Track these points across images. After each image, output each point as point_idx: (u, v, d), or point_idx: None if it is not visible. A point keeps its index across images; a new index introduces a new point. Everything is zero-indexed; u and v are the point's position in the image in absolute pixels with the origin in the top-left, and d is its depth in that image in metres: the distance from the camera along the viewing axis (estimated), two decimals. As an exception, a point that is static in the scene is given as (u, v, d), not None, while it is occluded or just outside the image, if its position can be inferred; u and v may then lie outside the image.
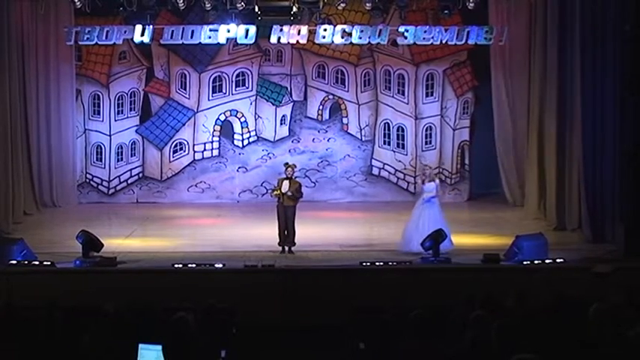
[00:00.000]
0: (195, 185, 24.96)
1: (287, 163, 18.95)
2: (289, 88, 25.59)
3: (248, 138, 25.64)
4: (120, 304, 10.71)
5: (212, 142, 25.60)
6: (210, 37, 22.72)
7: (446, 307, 10.52)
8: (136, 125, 25.51)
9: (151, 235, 20.35)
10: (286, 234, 18.35)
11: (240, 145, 25.62)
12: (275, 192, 18.57)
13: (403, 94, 25.49)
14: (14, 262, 16.52)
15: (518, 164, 24.20)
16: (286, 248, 18.30)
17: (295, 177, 18.84)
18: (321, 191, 24.94)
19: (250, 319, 13.68)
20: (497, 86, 24.42)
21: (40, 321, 9.87)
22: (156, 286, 15.12)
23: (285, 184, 18.49)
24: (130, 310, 10.35)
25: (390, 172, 25.48)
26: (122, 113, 25.48)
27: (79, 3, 21.02)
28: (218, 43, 23.37)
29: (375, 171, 25.29)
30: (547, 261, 16.50)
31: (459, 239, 18.95)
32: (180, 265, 16.21)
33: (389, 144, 25.64)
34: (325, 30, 23.00)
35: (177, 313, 7.41)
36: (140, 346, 7.79)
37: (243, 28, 22.35)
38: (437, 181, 18.73)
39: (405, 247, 18.01)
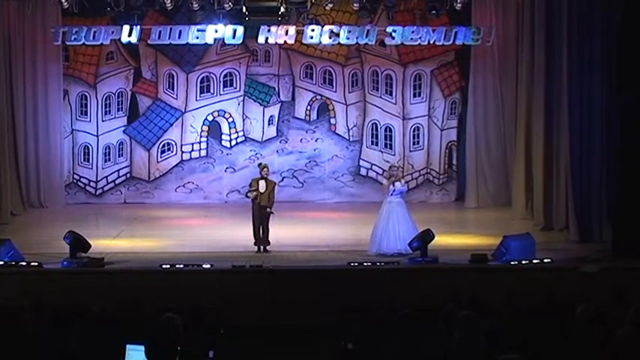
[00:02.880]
0: (183, 186, 24.91)
1: (261, 164, 19.00)
2: (277, 89, 25.56)
3: (236, 138, 25.60)
4: (107, 304, 10.69)
5: (200, 142, 25.56)
6: (197, 38, 22.67)
7: (433, 307, 10.51)
8: (124, 126, 25.45)
9: (139, 235, 20.31)
10: (261, 234, 18.30)
11: (228, 146, 25.59)
12: (252, 192, 18.49)
13: (391, 94, 25.49)
14: (1, 262, 16.46)
15: (503, 164, 24.22)
16: (262, 248, 18.25)
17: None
18: (309, 191, 24.92)
19: (238, 319, 13.67)
20: (485, 87, 24.44)
21: (27, 322, 9.83)
22: (143, 286, 15.08)
23: (262, 184, 18.44)
24: (117, 310, 10.33)
25: (377, 173, 25.46)
26: (109, 114, 25.41)
27: (66, 3, 20.97)
28: (206, 43, 23.31)
29: (363, 171, 25.29)
30: (534, 261, 16.52)
31: (447, 239, 18.99)
32: (168, 266, 16.18)
33: (377, 144, 25.63)
34: (313, 30, 22.98)
35: (164, 314, 7.38)
36: (127, 346, 7.76)
37: (230, 28, 22.31)
38: (402, 180, 18.74)
39: (374, 248, 17.84)
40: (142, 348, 7.58)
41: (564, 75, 19.58)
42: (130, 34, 22.51)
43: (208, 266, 16.19)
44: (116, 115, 25.44)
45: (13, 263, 16.52)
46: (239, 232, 20.80)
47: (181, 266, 16.19)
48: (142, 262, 17.14)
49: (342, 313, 12.35)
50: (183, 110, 25.46)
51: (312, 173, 25.02)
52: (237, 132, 25.59)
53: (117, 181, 25.53)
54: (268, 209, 18.26)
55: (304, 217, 21.53)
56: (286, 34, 22.66)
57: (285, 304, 15.28)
